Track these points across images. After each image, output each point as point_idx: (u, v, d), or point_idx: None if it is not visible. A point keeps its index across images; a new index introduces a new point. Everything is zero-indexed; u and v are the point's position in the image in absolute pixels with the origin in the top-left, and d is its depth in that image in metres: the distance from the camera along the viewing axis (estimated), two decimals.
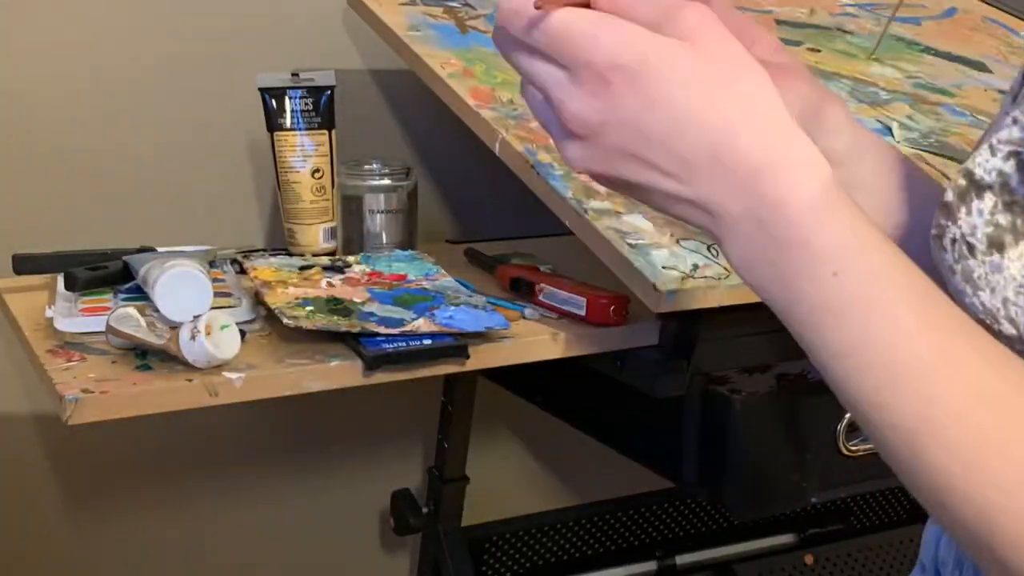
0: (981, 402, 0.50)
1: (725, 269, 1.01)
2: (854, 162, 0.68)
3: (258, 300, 1.04)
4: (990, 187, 0.55)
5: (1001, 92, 1.48)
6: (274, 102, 1.21)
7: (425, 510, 1.47)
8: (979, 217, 0.55)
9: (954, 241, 0.56)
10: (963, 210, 0.56)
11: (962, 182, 0.56)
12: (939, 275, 0.57)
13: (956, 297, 0.56)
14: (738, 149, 0.52)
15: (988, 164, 0.55)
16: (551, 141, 0.60)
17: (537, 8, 0.53)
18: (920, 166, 1.26)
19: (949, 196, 0.57)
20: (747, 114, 0.52)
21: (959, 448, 0.49)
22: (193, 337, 0.88)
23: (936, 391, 0.50)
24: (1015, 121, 0.55)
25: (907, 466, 0.51)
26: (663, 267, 0.99)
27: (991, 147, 0.56)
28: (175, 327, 0.91)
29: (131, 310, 0.93)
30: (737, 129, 0.52)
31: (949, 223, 0.57)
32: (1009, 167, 0.55)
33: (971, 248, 0.55)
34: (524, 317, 1.06)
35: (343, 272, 1.11)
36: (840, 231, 0.52)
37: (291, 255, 1.21)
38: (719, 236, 0.55)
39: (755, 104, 0.53)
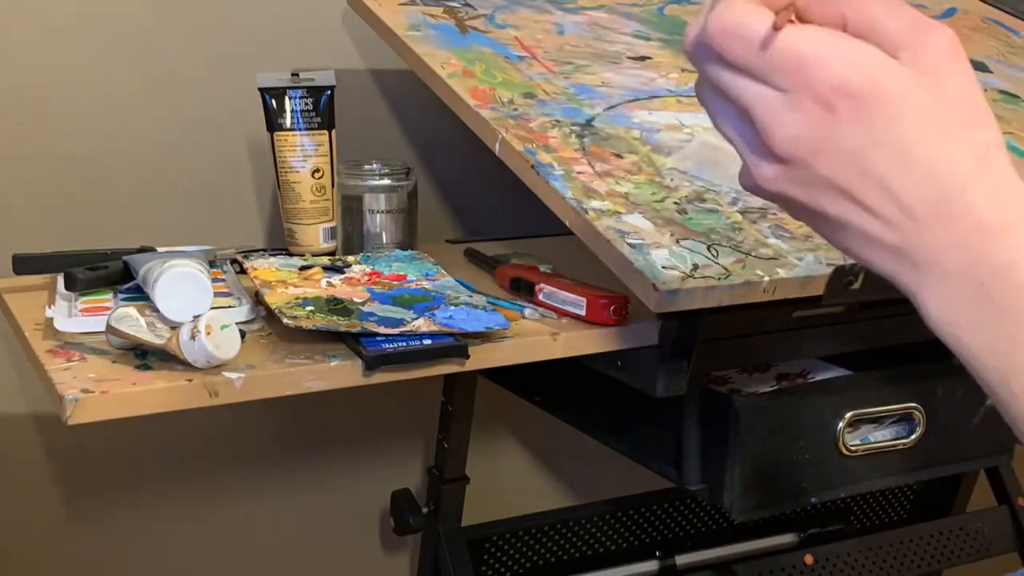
0: None
1: (725, 269, 1.01)
2: None
3: (258, 300, 1.04)
4: None
5: (1001, 92, 1.48)
6: (274, 102, 1.21)
7: (425, 510, 1.47)
8: None
9: None
10: None
11: None
12: None
13: None
14: (968, 202, 0.48)
15: None
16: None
17: (775, 29, 0.49)
18: None
19: None
20: (982, 167, 0.49)
21: None
22: (193, 337, 0.88)
23: None
24: None
25: None
26: (663, 267, 0.99)
27: None
28: (175, 327, 0.91)
29: (131, 310, 0.93)
30: (969, 181, 0.48)
31: None
32: None
33: None
34: (524, 317, 1.06)
35: (343, 272, 1.11)
36: None
37: (291, 255, 1.21)
38: (918, 290, 0.51)
39: (990, 158, 0.49)
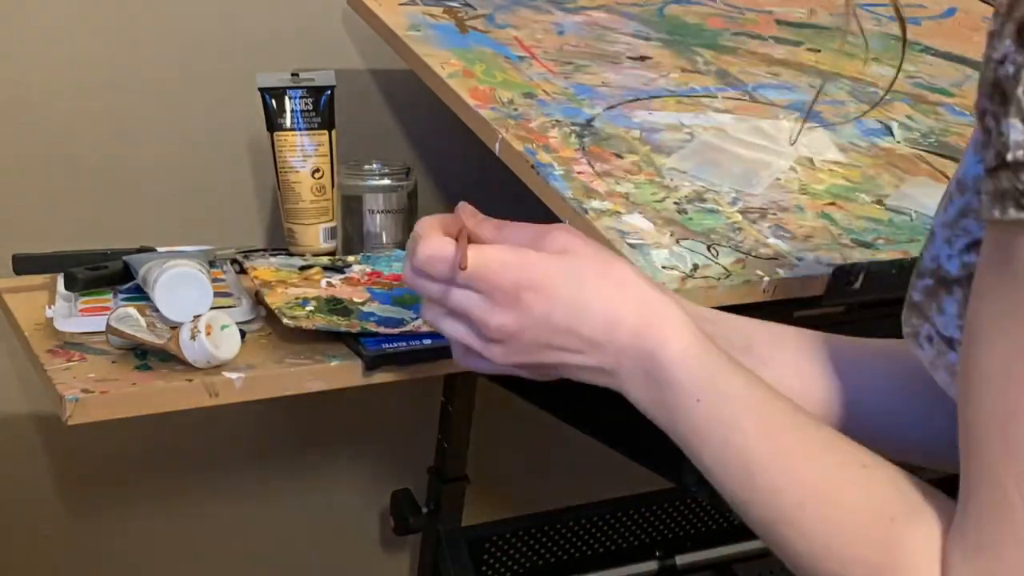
0: (815, 490, 0.60)
1: (725, 269, 1.01)
2: (775, 348, 0.79)
3: (258, 300, 1.04)
4: (957, 281, 0.60)
5: None
6: (274, 102, 1.21)
7: (425, 510, 1.47)
8: (952, 310, 0.60)
9: (930, 338, 0.62)
10: (934, 307, 0.61)
11: (928, 282, 0.62)
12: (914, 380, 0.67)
13: (946, 391, 0.62)
14: (622, 322, 0.68)
15: (951, 261, 0.60)
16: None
17: (461, 267, 0.70)
18: (922, 165, 1.26)
19: (917, 296, 0.63)
20: (624, 294, 0.69)
21: (802, 531, 0.60)
22: (193, 337, 0.88)
23: (777, 486, 0.61)
24: (964, 213, 0.60)
25: (777, 552, 0.61)
26: (663, 267, 0.99)
27: (948, 241, 0.61)
28: (175, 327, 0.91)
29: (131, 310, 0.93)
30: (619, 307, 0.68)
31: (921, 322, 0.63)
32: (973, 258, 0.59)
33: (949, 341, 0.60)
34: None
35: (343, 272, 1.11)
36: (700, 367, 0.66)
37: (291, 255, 1.21)
38: (622, 389, 0.69)
39: (627, 286, 0.69)
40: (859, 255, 1.05)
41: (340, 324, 0.96)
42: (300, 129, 1.21)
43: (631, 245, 1.00)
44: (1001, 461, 0.52)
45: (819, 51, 1.45)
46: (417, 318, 0.98)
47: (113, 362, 0.92)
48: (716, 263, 1.01)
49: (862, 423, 0.74)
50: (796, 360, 0.78)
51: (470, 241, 0.72)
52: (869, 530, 0.58)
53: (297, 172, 1.22)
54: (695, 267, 1.00)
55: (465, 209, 0.75)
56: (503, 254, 0.70)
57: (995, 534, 0.53)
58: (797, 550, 0.60)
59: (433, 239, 0.72)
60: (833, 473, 0.61)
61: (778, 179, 1.15)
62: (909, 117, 1.34)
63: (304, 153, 1.22)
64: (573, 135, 1.14)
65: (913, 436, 0.75)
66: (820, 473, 0.61)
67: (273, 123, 1.22)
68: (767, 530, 0.62)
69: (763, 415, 0.64)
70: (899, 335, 0.67)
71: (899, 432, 0.75)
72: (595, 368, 0.70)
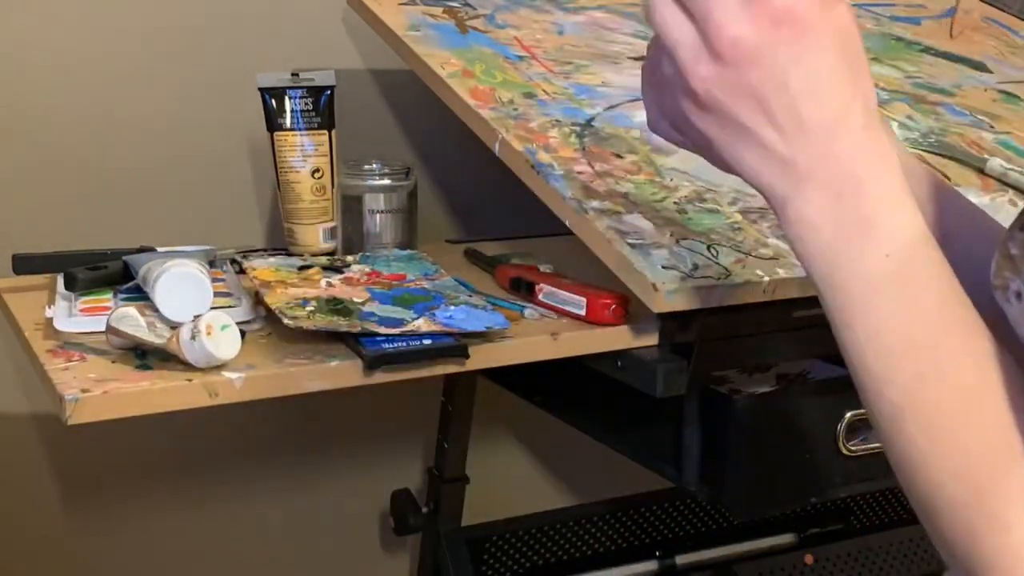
0: (958, 393, 0.56)
1: (725, 269, 1.01)
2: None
3: (258, 300, 1.04)
4: None
5: (1001, 92, 1.48)
6: (274, 102, 1.21)
7: (425, 510, 1.47)
8: None
9: (1019, 294, 0.60)
10: None
11: None
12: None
13: None
14: (851, 130, 0.58)
15: None
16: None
17: None
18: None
19: (1014, 249, 0.60)
20: (866, 103, 0.58)
21: (932, 433, 0.56)
22: (193, 337, 0.88)
23: (927, 374, 0.56)
24: None
25: (888, 439, 0.57)
26: (663, 267, 0.99)
27: None
28: (175, 327, 0.91)
29: (131, 310, 0.93)
30: (857, 112, 0.58)
31: (1013, 276, 0.60)
32: None
33: None
34: (524, 317, 1.06)
35: (343, 272, 1.11)
36: (904, 222, 0.58)
37: (291, 255, 1.21)
38: (787, 195, 0.59)
39: (872, 101, 0.59)
40: None
41: (340, 324, 0.96)
42: (300, 129, 1.21)
43: (631, 245, 1.00)
44: None
45: None
46: (418, 318, 0.98)
47: (113, 362, 0.92)
48: (716, 263, 1.01)
49: None
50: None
51: None
52: (988, 452, 0.55)
53: (297, 172, 1.22)
54: (695, 267, 1.00)
55: None
56: None
57: None
58: (910, 448, 0.56)
59: None
60: (985, 388, 0.56)
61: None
62: (909, 117, 1.34)
63: (304, 153, 1.22)
64: (573, 135, 1.14)
65: None
66: (973, 381, 0.56)
67: (273, 123, 1.22)
68: (890, 415, 0.57)
69: (946, 302, 0.58)
70: None
71: None
72: (781, 159, 0.59)
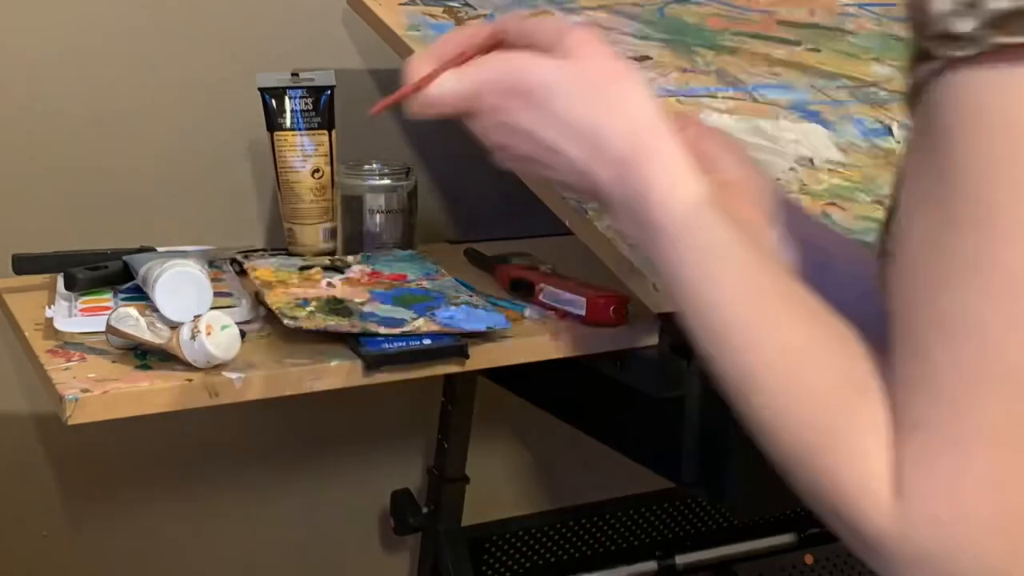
0: (784, 353, 0.58)
1: None
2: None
3: (258, 300, 1.04)
4: None
5: None
6: (274, 102, 1.21)
7: (425, 510, 1.47)
8: None
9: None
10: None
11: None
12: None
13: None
14: (607, 149, 0.64)
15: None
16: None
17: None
18: None
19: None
20: (616, 116, 0.64)
21: (769, 393, 0.58)
22: (194, 337, 0.88)
23: (751, 343, 0.59)
24: None
25: (741, 408, 0.60)
26: None
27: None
28: (175, 327, 0.91)
29: (131, 310, 0.93)
30: (608, 130, 0.64)
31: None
32: None
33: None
34: (524, 317, 1.06)
35: (343, 272, 1.11)
36: (685, 213, 0.62)
37: (291, 255, 1.21)
38: (611, 214, 0.67)
39: (625, 107, 0.64)
40: None
41: (340, 324, 0.96)
42: (300, 129, 1.21)
43: (631, 245, 1.00)
44: (930, 330, 0.52)
45: (819, 51, 1.45)
46: (418, 318, 0.98)
47: (113, 362, 0.92)
48: None
49: None
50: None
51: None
52: (830, 396, 0.56)
53: (297, 172, 1.22)
54: None
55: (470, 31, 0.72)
56: (493, 59, 0.68)
57: (927, 407, 0.52)
58: (761, 413, 0.59)
59: (420, 60, 0.72)
60: (810, 337, 0.59)
61: (778, 179, 1.15)
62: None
63: (304, 153, 1.22)
64: None
65: None
66: (797, 335, 0.59)
67: (273, 123, 1.22)
68: (736, 390, 0.60)
69: (748, 273, 0.61)
70: None
71: None
72: (584, 189, 0.67)
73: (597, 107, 0.64)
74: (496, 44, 0.70)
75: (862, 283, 0.72)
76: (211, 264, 1.10)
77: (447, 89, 0.70)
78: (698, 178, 0.64)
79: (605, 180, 0.64)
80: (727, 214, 0.63)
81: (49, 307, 1.02)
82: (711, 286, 0.61)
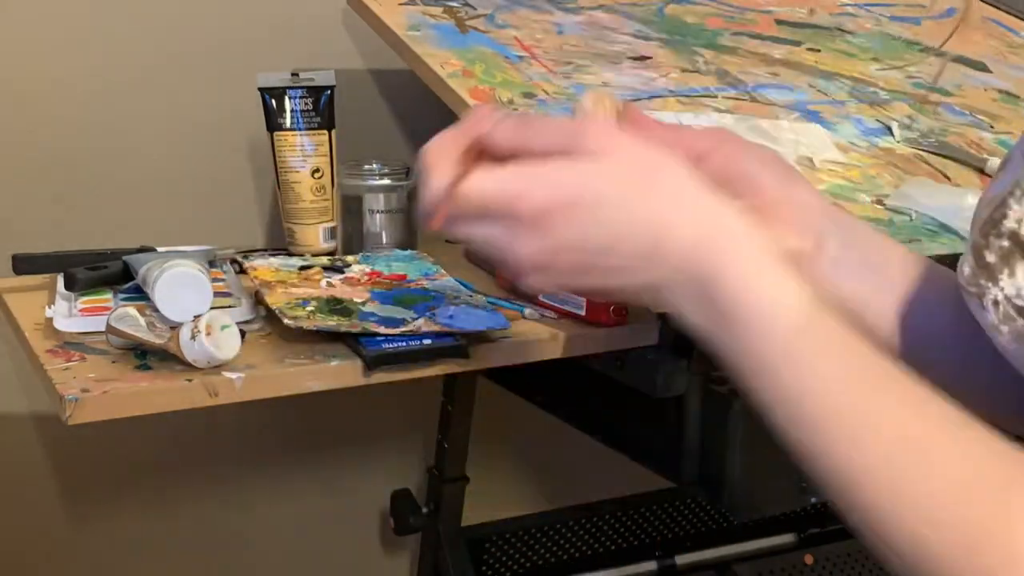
0: (905, 444, 0.53)
1: None
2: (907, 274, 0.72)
3: (258, 300, 1.04)
4: None
5: (1001, 92, 1.48)
6: (274, 102, 1.21)
7: (425, 510, 1.47)
8: None
9: (996, 303, 0.59)
10: (1006, 272, 0.59)
11: (1005, 244, 0.59)
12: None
13: (1004, 355, 0.59)
14: (674, 238, 0.58)
15: None
16: None
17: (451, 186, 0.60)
18: (922, 165, 1.26)
19: (990, 257, 0.60)
20: (675, 205, 0.59)
21: (889, 489, 0.53)
22: (193, 337, 0.88)
23: (862, 437, 0.54)
24: None
25: (848, 510, 0.55)
26: None
27: None
28: (175, 327, 0.91)
29: (131, 310, 0.93)
30: (671, 220, 0.58)
31: (990, 284, 0.60)
32: None
33: (1020, 310, 0.58)
34: (524, 317, 1.06)
35: (343, 272, 1.11)
36: (767, 294, 0.57)
37: (291, 255, 1.21)
38: (677, 310, 0.61)
39: (680, 194, 0.59)
40: None
41: (340, 324, 0.96)
42: (300, 129, 1.21)
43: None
44: None
45: (819, 51, 1.45)
46: (418, 318, 0.98)
47: (113, 362, 0.92)
48: None
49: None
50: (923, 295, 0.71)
51: (483, 157, 0.62)
52: (972, 492, 0.52)
53: (297, 172, 1.22)
54: None
55: (477, 117, 0.63)
56: (519, 175, 0.60)
57: None
58: (874, 513, 0.53)
59: (436, 176, 0.62)
60: (930, 430, 0.54)
61: None
62: (909, 117, 1.34)
63: (304, 153, 1.22)
64: None
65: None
66: (916, 429, 0.54)
67: (273, 123, 1.22)
68: (841, 486, 0.55)
69: (846, 358, 0.56)
70: None
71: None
72: (645, 287, 0.61)
73: (653, 201, 0.59)
74: (479, 153, 0.62)
75: (925, 301, 0.70)
76: (211, 264, 1.10)
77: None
78: (771, 256, 0.59)
79: (671, 266, 0.59)
80: (817, 302, 0.58)
81: (49, 307, 1.02)
82: (806, 373, 0.57)
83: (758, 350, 0.57)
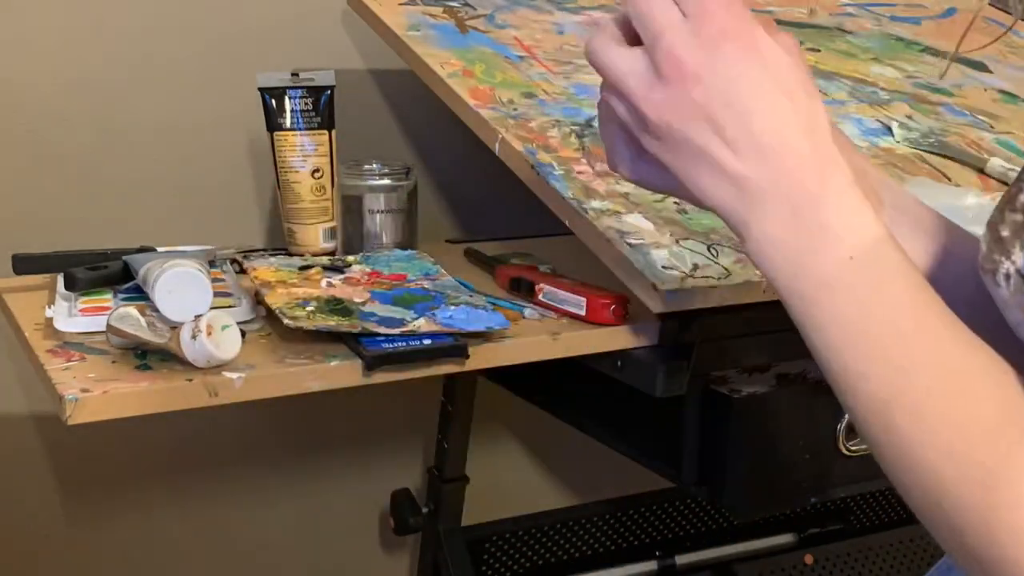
0: (948, 378, 0.56)
1: (725, 269, 1.01)
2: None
3: (258, 300, 1.04)
4: None
5: (1001, 92, 1.48)
6: (274, 102, 1.21)
7: (425, 510, 1.47)
8: None
9: (1008, 276, 0.60)
10: (1018, 244, 0.59)
11: (1019, 217, 0.60)
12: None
13: (1015, 329, 0.60)
14: (800, 146, 0.60)
15: None
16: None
17: None
18: (922, 165, 1.26)
19: (1004, 231, 0.60)
20: (813, 119, 0.61)
21: (923, 418, 0.56)
22: (194, 337, 0.88)
23: (910, 364, 0.56)
24: None
25: (877, 437, 0.58)
26: (663, 267, 0.99)
27: None
28: (175, 327, 0.91)
29: (131, 310, 0.93)
30: (805, 128, 0.60)
31: (1003, 258, 0.60)
32: None
33: None
34: (524, 317, 1.06)
35: (343, 272, 1.11)
36: (860, 225, 0.59)
37: (291, 255, 1.21)
38: (746, 216, 0.61)
39: (820, 115, 0.61)
40: None
41: (340, 324, 0.96)
42: (300, 129, 1.21)
43: (631, 245, 1.00)
44: None
45: (819, 51, 1.45)
46: (418, 318, 0.98)
47: (113, 362, 0.92)
48: (716, 263, 1.01)
49: None
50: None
51: None
52: (998, 436, 0.54)
53: (297, 172, 1.22)
54: (695, 267, 1.00)
55: None
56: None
57: None
58: (903, 440, 0.56)
59: None
60: (973, 370, 0.57)
61: None
62: (909, 117, 1.34)
63: (304, 153, 1.22)
64: (573, 135, 1.14)
65: None
66: (960, 365, 0.57)
67: (273, 123, 1.22)
68: (876, 410, 0.57)
69: (912, 288, 0.59)
70: None
71: None
72: (734, 176, 0.60)
73: (801, 104, 0.61)
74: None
75: (977, 275, 0.70)
76: (211, 264, 1.10)
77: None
78: (868, 201, 0.61)
79: (782, 168, 0.60)
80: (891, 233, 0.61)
81: (49, 307, 1.02)
82: (878, 298, 0.59)
83: (836, 270, 0.59)
